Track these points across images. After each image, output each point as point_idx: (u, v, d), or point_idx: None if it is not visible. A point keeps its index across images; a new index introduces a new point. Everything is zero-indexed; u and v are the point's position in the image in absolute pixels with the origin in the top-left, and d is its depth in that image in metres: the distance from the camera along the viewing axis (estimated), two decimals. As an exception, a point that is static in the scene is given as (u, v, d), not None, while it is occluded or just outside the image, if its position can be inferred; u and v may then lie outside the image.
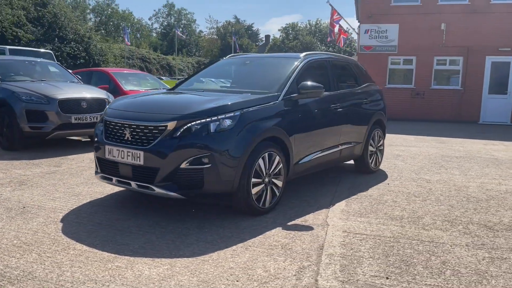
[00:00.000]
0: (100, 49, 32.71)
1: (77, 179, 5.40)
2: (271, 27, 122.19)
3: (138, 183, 3.81)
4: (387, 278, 2.85)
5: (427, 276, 2.87)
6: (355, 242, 3.49)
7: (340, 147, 5.38)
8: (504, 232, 3.82)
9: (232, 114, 3.84)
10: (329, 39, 20.42)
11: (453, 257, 3.21)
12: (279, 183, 4.27)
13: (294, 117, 4.48)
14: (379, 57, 16.77)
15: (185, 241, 3.42)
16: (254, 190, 3.92)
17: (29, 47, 22.78)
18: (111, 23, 74.97)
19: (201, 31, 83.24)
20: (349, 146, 5.60)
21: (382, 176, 6.07)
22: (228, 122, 3.79)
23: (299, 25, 70.81)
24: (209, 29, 77.95)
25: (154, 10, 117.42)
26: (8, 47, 15.68)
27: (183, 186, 3.68)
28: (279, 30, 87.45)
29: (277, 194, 4.26)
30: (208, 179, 3.66)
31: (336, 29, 19.41)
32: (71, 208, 4.20)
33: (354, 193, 5.06)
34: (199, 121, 3.71)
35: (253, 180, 3.91)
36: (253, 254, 3.21)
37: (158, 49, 68.16)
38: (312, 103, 4.81)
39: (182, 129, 3.68)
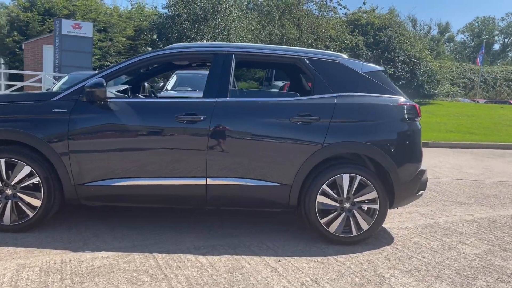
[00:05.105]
0: (429, 69, 31.03)
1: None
2: None
3: None
4: None
5: None
6: None
7: (211, 181, 3.59)
8: None
9: None
10: None
11: None
12: (35, 202, 3.49)
13: (78, 125, 3.52)
14: None
15: None
16: None
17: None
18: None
19: None
20: (244, 184, 3.61)
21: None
22: None
23: None
24: None
25: None
26: None
27: None
28: None
29: (29, 214, 3.49)
30: None
31: None
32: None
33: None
34: None
35: None
36: None
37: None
38: (128, 109, 3.62)
39: None
